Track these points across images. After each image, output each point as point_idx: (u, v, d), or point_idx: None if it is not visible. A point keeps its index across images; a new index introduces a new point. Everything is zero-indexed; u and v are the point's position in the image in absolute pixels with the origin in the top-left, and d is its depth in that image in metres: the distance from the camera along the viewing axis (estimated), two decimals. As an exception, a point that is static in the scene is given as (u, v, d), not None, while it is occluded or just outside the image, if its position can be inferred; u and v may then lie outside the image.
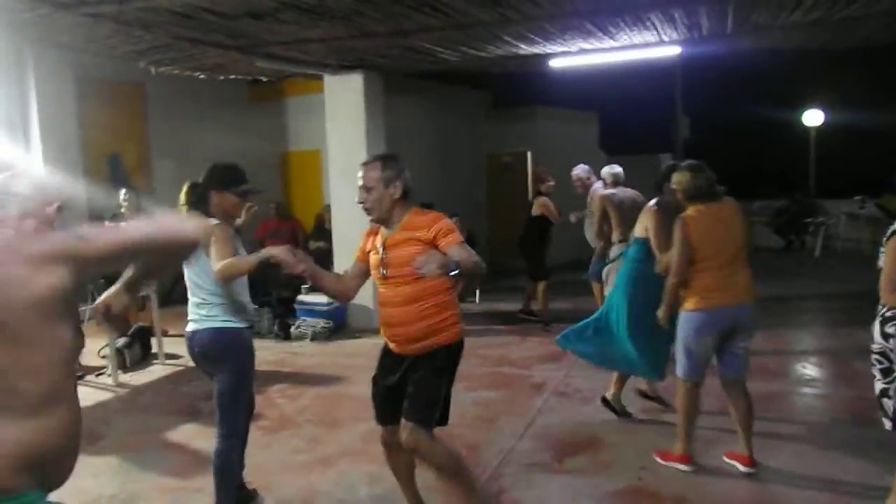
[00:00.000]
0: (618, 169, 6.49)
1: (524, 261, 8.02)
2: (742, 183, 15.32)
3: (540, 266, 7.83)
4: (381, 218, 3.00)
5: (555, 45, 6.27)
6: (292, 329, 7.42)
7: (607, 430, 4.49)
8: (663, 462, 3.90)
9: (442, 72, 9.10)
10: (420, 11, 4.60)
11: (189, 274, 3.29)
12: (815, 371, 5.84)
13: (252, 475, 3.65)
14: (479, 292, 9.27)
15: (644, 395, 4.93)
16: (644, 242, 4.32)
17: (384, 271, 2.96)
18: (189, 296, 3.32)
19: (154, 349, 6.71)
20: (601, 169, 6.74)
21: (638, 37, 6.08)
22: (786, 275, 10.62)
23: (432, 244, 2.85)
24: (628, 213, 6.24)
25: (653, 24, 5.36)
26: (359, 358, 6.33)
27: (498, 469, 3.99)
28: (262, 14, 4.49)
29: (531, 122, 12.69)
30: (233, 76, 7.33)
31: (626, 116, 15.96)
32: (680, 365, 3.81)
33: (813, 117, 15.57)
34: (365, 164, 3.00)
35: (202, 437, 4.59)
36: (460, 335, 3.01)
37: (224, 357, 3.24)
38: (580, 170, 7.32)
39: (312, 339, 7.27)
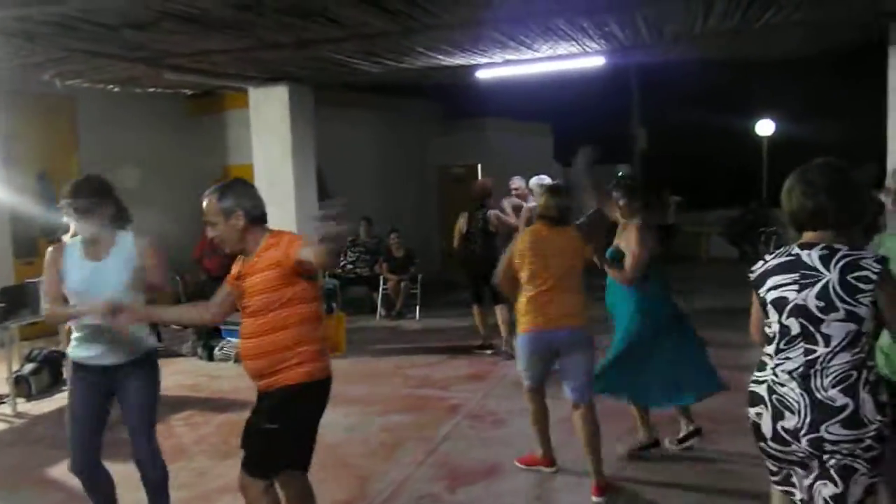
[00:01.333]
0: (547, 180, 6.37)
1: (481, 286, 6.76)
2: (698, 193, 15.36)
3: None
4: (236, 249, 2.80)
5: (477, 56, 6.13)
6: (216, 351, 7.14)
7: (511, 456, 4.29)
8: (523, 466, 4.00)
9: (389, 84, 8.94)
10: (314, 21, 4.42)
11: None
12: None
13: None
14: (420, 308, 9.06)
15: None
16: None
17: (242, 301, 2.76)
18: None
19: (65, 375, 6.41)
20: (559, 179, 6.66)
21: (560, 48, 5.96)
22: (739, 285, 10.51)
23: (287, 260, 2.64)
24: None
25: (564, 33, 5.22)
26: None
27: (386, 502, 3.77)
28: (142, 24, 4.28)
29: (481, 133, 12.58)
30: (153, 88, 7.10)
31: (582, 127, 15.83)
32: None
33: (765, 127, 15.66)
34: (204, 197, 2.78)
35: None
36: (311, 375, 2.71)
37: None
38: (520, 180, 7.18)
39: (235, 361, 7.00)
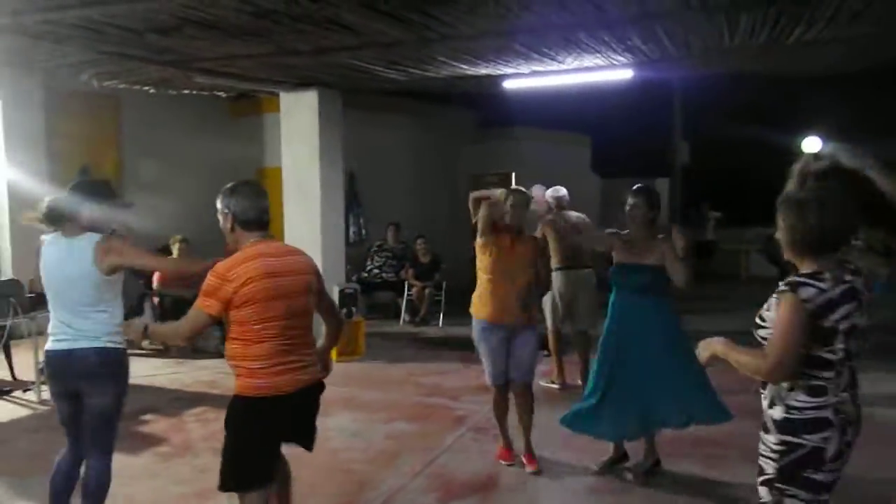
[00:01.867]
0: (562, 192, 6.28)
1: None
2: (739, 209, 14.97)
3: None
4: (232, 250, 2.76)
5: (502, 67, 6.11)
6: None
7: (508, 472, 4.25)
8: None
9: (423, 90, 8.97)
10: (328, 29, 4.47)
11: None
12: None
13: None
14: (444, 315, 9.05)
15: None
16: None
17: None
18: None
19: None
20: (594, 192, 6.58)
21: (585, 60, 5.90)
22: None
23: None
24: (569, 240, 6.05)
25: (588, 45, 5.17)
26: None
27: (375, 510, 3.78)
28: (165, 29, 4.40)
29: (516, 142, 12.53)
30: (185, 90, 7.25)
31: (622, 139, 15.67)
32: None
33: (812, 144, 15.16)
34: None
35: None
36: (243, 389, 2.66)
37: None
38: (539, 189, 7.07)
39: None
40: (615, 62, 5.98)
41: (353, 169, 9.90)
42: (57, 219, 3.18)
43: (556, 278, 5.98)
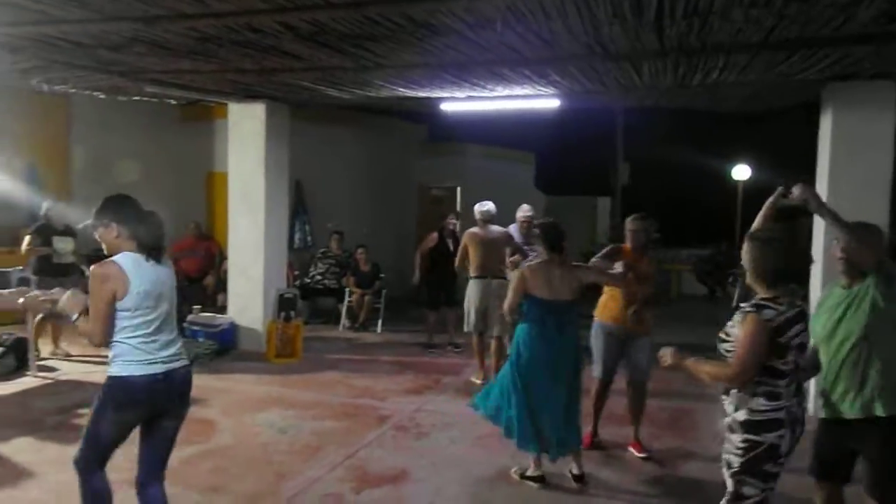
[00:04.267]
0: (487, 206, 6.78)
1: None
2: (675, 230, 15.74)
3: None
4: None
5: (438, 91, 6.54)
6: (176, 348, 7.50)
7: (421, 466, 4.65)
8: None
9: (373, 105, 9.32)
10: (271, 54, 4.84)
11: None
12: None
13: None
14: (384, 322, 9.42)
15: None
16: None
17: None
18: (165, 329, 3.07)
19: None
20: (538, 208, 7.12)
21: (515, 89, 6.38)
22: (710, 323, 10.89)
23: None
24: (490, 251, 6.58)
25: (512, 78, 5.63)
26: (229, 381, 6.55)
27: (293, 497, 4.12)
28: (115, 46, 4.70)
29: (462, 157, 13.00)
30: (136, 97, 7.48)
31: (565, 158, 16.35)
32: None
33: (741, 172, 16.12)
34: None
35: (30, 452, 4.70)
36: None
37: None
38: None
39: (191, 361, 7.34)
40: (542, 92, 6.48)
41: (299, 178, 10.20)
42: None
43: (472, 287, 6.55)
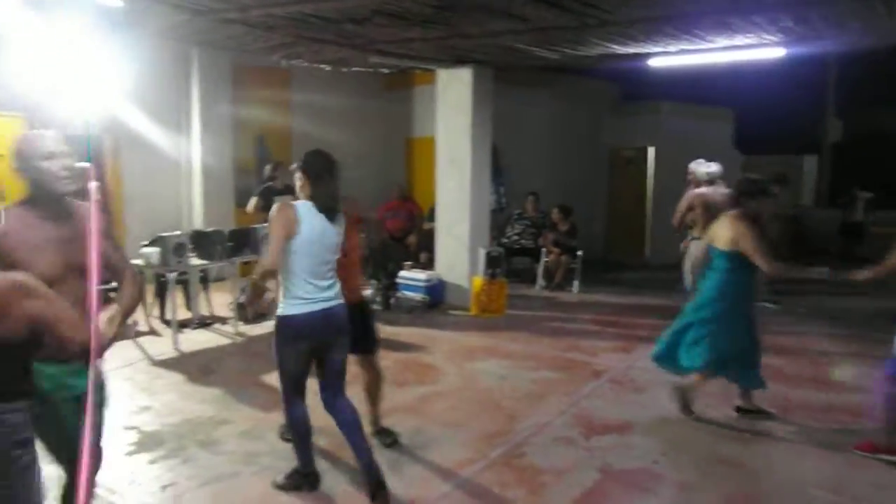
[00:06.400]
0: (714, 167, 6.59)
1: None
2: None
3: None
4: None
5: (650, 46, 6.42)
6: (391, 301, 8.15)
7: (644, 418, 4.74)
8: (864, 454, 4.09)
9: (568, 65, 9.31)
10: (499, 18, 5.03)
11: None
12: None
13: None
14: (579, 282, 9.50)
15: (742, 409, 4.75)
16: (730, 254, 4.43)
17: None
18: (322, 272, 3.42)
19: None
20: (736, 167, 6.81)
21: (736, 39, 6.09)
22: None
23: None
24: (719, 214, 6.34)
25: (739, 26, 5.39)
26: (443, 332, 7.05)
27: (527, 438, 4.40)
28: (361, 20, 5.13)
29: (654, 116, 12.57)
30: (357, 68, 8.07)
31: (767, 114, 15.17)
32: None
33: None
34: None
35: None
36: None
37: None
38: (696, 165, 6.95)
39: (408, 312, 7.95)
40: (766, 41, 6.12)
41: (495, 141, 10.47)
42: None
43: (696, 248, 6.38)
